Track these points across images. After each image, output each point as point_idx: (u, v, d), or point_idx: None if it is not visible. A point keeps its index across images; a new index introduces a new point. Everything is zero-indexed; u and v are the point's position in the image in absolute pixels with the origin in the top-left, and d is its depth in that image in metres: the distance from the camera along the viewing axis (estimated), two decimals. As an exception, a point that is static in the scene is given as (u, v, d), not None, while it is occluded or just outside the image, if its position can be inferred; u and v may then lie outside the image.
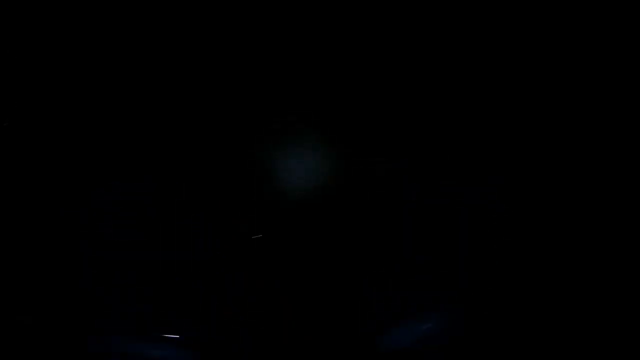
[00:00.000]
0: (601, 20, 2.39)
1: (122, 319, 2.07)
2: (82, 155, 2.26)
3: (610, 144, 2.31)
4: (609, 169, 2.28)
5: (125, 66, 2.32)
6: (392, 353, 2.00)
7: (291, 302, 2.17)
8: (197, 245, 2.25)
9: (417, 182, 2.49)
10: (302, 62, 2.54)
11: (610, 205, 2.21)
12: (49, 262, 2.15)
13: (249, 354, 2.03)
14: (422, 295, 2.19)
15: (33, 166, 2.22)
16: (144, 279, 2.15)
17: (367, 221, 2.60)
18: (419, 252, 2.34)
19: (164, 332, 2.04)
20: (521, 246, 2.22)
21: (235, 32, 2.42)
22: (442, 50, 2.67)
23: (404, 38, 2.60)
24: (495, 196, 2.30)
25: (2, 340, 1.93)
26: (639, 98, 2.35)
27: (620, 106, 2.38)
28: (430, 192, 2.43)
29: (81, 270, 2.15)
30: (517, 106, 2.50)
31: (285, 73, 2.52)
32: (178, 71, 2.37)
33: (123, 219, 2.23)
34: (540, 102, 2.48)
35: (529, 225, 2.26)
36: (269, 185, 2.60)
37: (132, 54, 2.32)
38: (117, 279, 2.14)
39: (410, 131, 2.63)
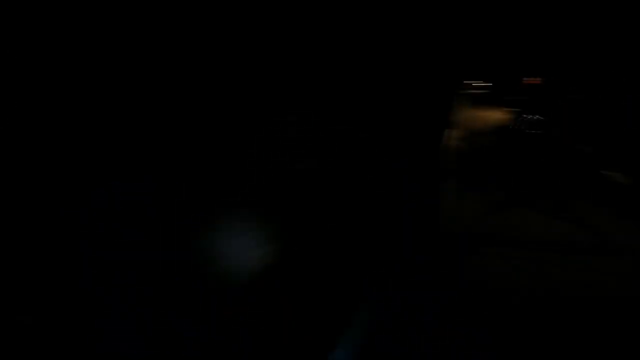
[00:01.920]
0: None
1: (122, 319, 2.07)
2: (82, 155, 2.26)
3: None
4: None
5: (125, 66, 2.32)
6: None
7: (291, 302, 2.17)
8: (197, 245, 2.25)
9: (417, 181, 2.49)
10: (302, 63, 2.54)
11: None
12: (49, 262, 2.15)
13: (249, 354, 2.03)
14: (423, 295, 2.19)
15: (33, 166, 2.22)
16: (144, 279, 2.15)
17: (367, 222, 2.60)
18: (419, 252, 2.34)
19: (164, 332, 2.04)
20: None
21: (236, 32, 2.42)
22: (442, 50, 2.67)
23: (403, 37, 2.60)
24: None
25: (2, 340, 1.93)
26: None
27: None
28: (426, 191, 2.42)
29: (81, 270, 2.15)
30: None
31: (285, 73, 2.52)
32: (178, 72, 2.37)
33: (123, 219, 2.23)
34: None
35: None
36: (269, 185, 2.60)
37: (132, 55, 2.32)
38: (117, 279, 2.14)
39: (410, 130, 2.63)
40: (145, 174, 2.29)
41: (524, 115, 5.52)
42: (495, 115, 8.99)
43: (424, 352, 1.96)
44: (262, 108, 2.50)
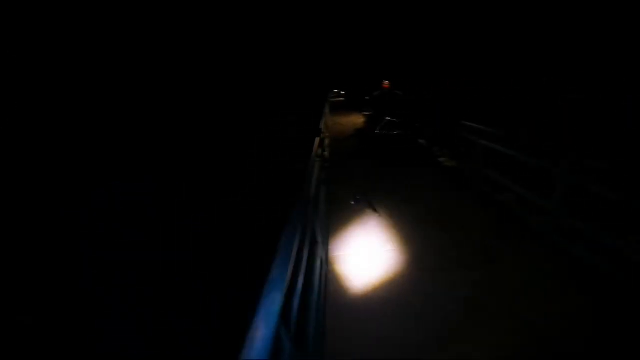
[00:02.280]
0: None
1: (122, 319, 2.07)
2: (82, 155, 2.26)
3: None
4: None
5: (125, 67, 2.32)
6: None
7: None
8: (197, 245, 2.25)
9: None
10: (301, 63, 2.53)
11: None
12: (49, 262, 2.15)
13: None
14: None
15: (33, 166, 2.22)
16: (144, 279, 2.15)
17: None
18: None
19: (164, 332, 2.03)
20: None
21: (236, 33, 2.41)
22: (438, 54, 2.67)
23: (402, 39, 2.60)
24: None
25: (2, 340, 1.93)
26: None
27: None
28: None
29: (81, 270, 2.15)
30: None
31: (285, 73, 2.52)
32: (178, 72, 2.37)
33: (123, 219, 2.23)
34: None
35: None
36: (268, 185, 2.60)
37: (132, 55, 2.32)
38: (117, 279, 2.15)
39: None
40: (145, 174, 2.30)
41: (387, 119, 6.19)
42: (352, 120, 9.07)
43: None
44: (262, 108, 2.50)
